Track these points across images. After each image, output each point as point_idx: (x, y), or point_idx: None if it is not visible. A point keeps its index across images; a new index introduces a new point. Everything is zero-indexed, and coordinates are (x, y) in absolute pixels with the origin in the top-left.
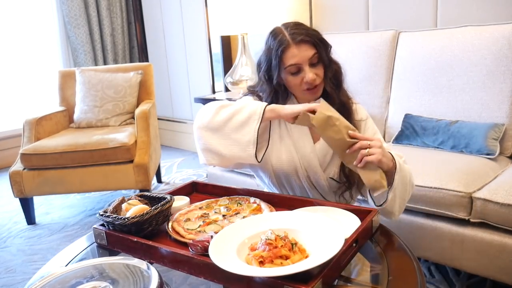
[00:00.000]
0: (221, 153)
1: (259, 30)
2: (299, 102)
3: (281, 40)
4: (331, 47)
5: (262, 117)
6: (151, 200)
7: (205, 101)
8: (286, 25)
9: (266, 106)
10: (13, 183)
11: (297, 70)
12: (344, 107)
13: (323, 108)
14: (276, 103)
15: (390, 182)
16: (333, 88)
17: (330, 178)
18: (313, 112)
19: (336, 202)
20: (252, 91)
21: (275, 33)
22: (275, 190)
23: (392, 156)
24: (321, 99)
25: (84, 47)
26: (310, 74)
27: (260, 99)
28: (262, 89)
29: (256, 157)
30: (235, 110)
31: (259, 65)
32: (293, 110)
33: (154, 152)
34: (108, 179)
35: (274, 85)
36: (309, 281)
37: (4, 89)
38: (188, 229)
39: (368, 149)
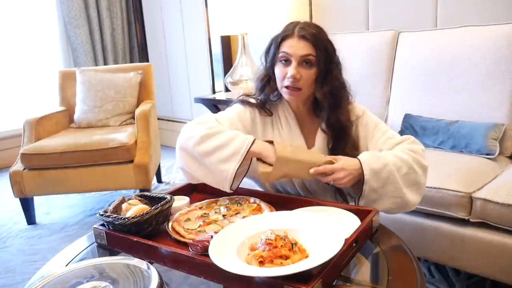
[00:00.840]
0: (198, 178)
1: (259, 30)
2: (290, 106)
3: (287, 28)
4: (340, 65)
5: (245, 156)
6: (151, 200)
7: (205, 101)
8: (304, 22)
9: (252, 144)
10: (13, 183)
11: (286, 61)
12: (342, 127)
13: (278, 163)
14: (267, 89)
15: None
16: (327, 103)
17: (325, 183)
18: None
19: (336, 202)
20: (243, 100)
21: (288, 23)
22: None
23: (361, 164)
24: (275, 143)
25: (84, 47)
26: (293, 70)
27: (251, 106)
28: (260, 70)
29: (231, 187)
30: (220, 143)
31: (263, 50)
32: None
33: (154, 152)
34: (108, 179)
35: (267, 69)
36: (309, 281)
37: (4, 89)
38: (188, 229)
39: (332, 182)
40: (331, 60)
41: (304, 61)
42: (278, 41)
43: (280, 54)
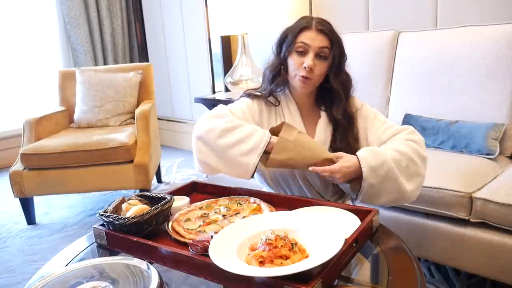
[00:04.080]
0: (218, 170)
1: (259, 30)
2: (291, 93)
3: (306, 21)
4: (346, 58)
5: (264, 150)
6: (151, 200)
7: (205, 101)
8: (317, 17)
9: (270, 139)
10: (13, 183)
11: (304, 51)
12: (349, 118)
13: (279, 145)
14: (276, 80)
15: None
16: (340, 93)
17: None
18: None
19: (336, 202)
20: (249, 94)
21: (305, 16)
22: (272, 191)
23: (359, 163)
24: (283, 127)
25: (84, 47)
26: (310, 61)
27: (258, 98)
28: (269, 62)
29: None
30: (240, 138)
31: (276, 40)
32: None
33: (154, 152)
34: (108, 179)
35: (281, 59)
36: (309, 281)
37: (4, 89)
38: (188, 229)
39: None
40: (343, 54)
41: (319, 54)
42: (297, 31)
43: (298, 44)
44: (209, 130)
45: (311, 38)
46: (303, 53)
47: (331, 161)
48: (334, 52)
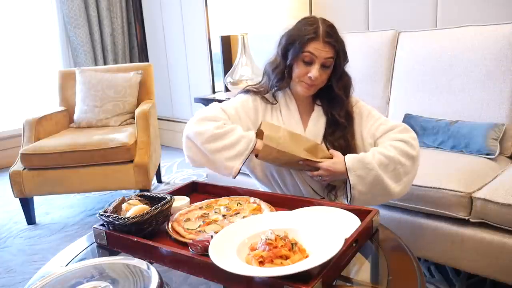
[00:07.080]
0: (204, 166)
1: (259, 30)
2: (292, 93)
3: (314, 30)
4: (348, 61)
5: (248, 156)
6: (151, 200)
7: (205, 101)
8: (323, 21)
9: (255, 144)
10: (13, 183)
11: (309, 60)
12: (349, 116)
13: (267, 142)
14: (281, 81)
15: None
16: (342, 96)
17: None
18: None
19: (336, 202)
20: (248, 90)
21: (312, 21)
22: (266, 188)
23: (346, 167)
24: (264, 125)
25: (84, 47)
26: (316, 73)
27: (255, 94)
28: (275, 63)
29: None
30: (227, 144)
31: (280, 40)
32: None
33: (154, 152)
34: (108, 179)
35: (287, 63)
36: (309, 281)
37: (4, 89)
38: (188, 229)
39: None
40: (346, 59)
41: (324, 64)
42: (305, 40)
43: (305, 54)
44: (198, 134)
45: (318, 50)
46: (309, 63)
47: (314, 156)
48: (339, 61)
